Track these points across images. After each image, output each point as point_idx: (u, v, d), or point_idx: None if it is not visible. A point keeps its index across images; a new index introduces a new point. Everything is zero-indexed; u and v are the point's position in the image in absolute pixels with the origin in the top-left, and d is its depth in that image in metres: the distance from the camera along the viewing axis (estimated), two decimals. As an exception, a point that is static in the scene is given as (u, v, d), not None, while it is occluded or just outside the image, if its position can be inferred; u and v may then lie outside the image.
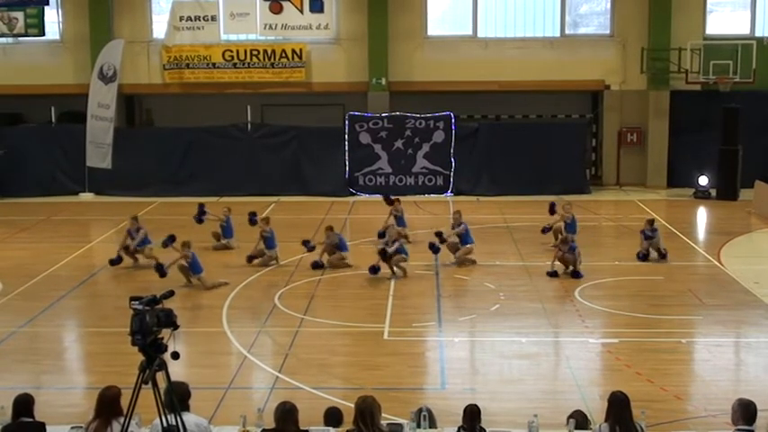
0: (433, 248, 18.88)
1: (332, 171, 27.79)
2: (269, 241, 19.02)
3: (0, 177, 27.85)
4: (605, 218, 24.20)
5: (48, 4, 28.13)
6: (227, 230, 20.63)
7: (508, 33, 29.44)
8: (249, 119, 28.64)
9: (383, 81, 29.02)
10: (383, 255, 18.04)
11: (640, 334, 14.49)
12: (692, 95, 28.42)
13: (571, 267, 18.04)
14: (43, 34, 29.07)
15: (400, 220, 20.72)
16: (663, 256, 19.26)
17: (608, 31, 29.53)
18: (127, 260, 19.16)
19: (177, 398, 7.29)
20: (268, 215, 18.87)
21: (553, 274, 17.96)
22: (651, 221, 19.66)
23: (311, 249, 19.05)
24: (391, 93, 29.06)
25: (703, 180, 27.51)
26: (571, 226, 19.86)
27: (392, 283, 17.66)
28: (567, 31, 29.59)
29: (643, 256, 19.20)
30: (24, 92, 29.18)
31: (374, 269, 17.96)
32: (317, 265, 18.72)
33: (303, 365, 13.14)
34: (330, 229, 19.23)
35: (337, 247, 19.03)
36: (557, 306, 16.32)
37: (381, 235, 19.28)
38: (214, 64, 29.20)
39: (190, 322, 14.92)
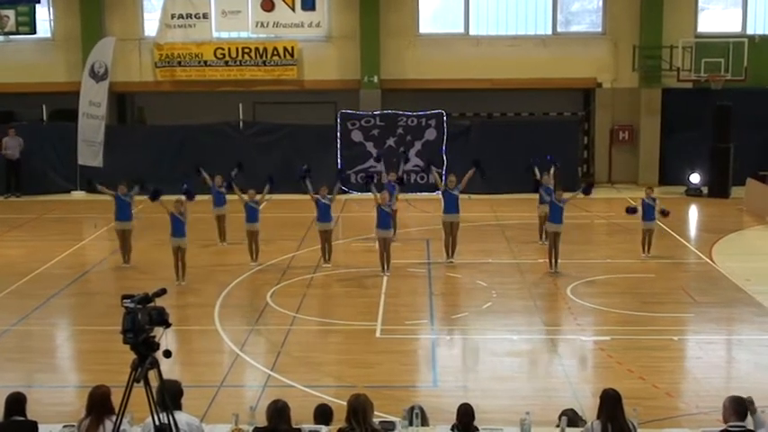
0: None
1: (324, 169, 27.72)
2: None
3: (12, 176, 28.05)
4: (597, 215, 24.23)
5: (39, 2, 28.00)
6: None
7: (500, 31, 29.43)
8: (241, 117, 28.60)
9: (375, 79, 29.01)
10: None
11: (632, 331, 14.53)
12: (684, 93, 28.44)
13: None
14: (34, 32, 29.02)
15: (391, 191, 20.19)
16: (665, 213, 19.14)
17: (600, 29, 29.56)
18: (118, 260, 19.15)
19: (169, 396, 7.28)
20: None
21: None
22: (651, 189, 19.57)
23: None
24: (383, 91, 29.05)
25: (695, 178, 27.55)
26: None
27: (384, 281, 17.66)
28: (558, 29, 29.60)
29: (632, 210, 19.27)
30: (15, 90, 29.05)
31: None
32: None
33: (295, 363, 13.14)
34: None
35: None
36: (549, 304, 16.36)
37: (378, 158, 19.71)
38: (206, 62, 29.16)
39: (182, 320, 14.92)
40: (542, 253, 18.90)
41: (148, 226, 20.01)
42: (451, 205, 19.03)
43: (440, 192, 19.48)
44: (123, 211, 19.04)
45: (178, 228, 17.61)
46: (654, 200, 19.24)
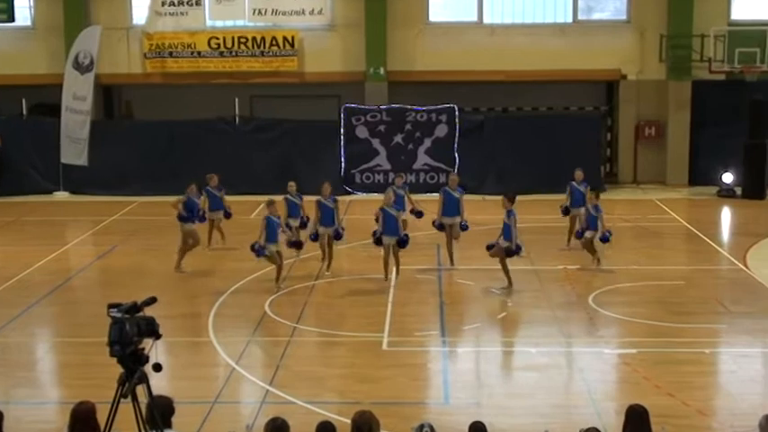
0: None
1: (327, 168, 27.77)
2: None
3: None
4: (621, 218, 24.20)
5: (18, -14, 28.19)
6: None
7: (516, 19, 29.48)
8: (237, 112, 28.66)
9: (381, 71, 29.03)
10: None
11: (660, 344, 14.49)
12: (716, 86, 28.43)
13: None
14: (13, 20, 29.08)
15: (399, 200, 20.07)
16: (605, 239, 19.03)
17: (624, 17, 29.55)
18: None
19: (159, 413, 7.28)
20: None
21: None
22: (597, 195, 19.51)
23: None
24: (390, 83, 29.08)
25: (728, 177, 27.54)
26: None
27: (391, 289, 17.65)
28: (580, 17, 29.61)
29: (580, 233, 19.20)
30: (-7, 82, 29.22)
31: None
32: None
33: (295, 378, 13.15)
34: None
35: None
36: (569, 313, 16.32)
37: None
38: (199, 52, 29.21)
39: (173, 331, 14.87)
40: (562, 259, 18.91)
41: (138, 230, 20.02)
42: (452, 207, 19.05)
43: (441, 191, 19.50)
44: (194, 212, 19.34)
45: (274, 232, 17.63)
46: (598, 209, 19.06)
